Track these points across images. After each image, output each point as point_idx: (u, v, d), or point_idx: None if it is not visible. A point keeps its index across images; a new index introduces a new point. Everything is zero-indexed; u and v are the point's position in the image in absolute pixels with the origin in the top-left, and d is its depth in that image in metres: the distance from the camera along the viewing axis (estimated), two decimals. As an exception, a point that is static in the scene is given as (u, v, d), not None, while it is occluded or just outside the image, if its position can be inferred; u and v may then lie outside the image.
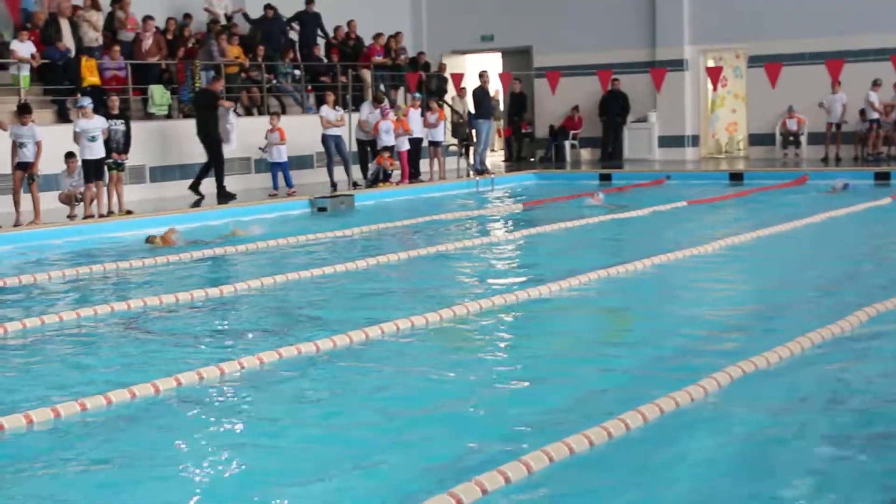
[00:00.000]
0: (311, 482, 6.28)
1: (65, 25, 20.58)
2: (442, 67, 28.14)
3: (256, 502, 5.99)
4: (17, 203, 17.26)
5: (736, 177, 22.67)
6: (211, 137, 20.30)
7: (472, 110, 25.45)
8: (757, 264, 13.44)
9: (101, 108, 18.42)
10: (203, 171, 20.58)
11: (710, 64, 26.87)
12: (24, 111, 17.23)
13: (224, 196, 20.44)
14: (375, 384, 8.36)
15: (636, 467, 6.16)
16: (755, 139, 26.90)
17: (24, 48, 19.52)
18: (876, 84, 24.10)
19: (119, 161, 18.27)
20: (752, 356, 7.90)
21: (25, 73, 19.55)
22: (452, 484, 5.54)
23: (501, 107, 28.85)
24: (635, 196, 20.29)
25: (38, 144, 17.10)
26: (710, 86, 27.02)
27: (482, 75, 25.88)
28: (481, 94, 25.16)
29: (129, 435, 7.16)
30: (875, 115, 24.11)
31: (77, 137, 17.49)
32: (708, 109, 27.87)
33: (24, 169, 17.19)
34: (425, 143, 24.21)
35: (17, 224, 17.07)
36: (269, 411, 7.73)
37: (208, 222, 18.16)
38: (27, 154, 17.10)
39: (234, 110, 21.38)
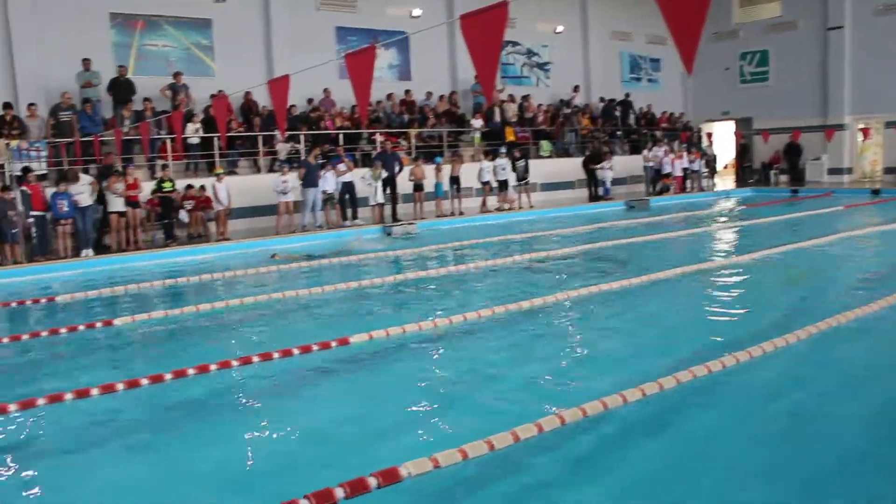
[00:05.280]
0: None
1: (497, 110, 21.41)
2: (699, 129, 27.25)
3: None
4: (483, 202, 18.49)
5: (875, 192, 20.73)
6: (588, 168, 20.56)
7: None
8: (886, 243, 12.45)
9: (511, 154, 19.08)
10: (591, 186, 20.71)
11: (861, 126, 24.62)
12: (486, 154, 18.28)
13: (596, 198, 20.42)
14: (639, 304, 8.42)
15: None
16: (888, 170, 24.47)
17: (477, 123, 20.67)
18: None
19: (526, 181, 18.92)
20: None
21: (477, 135, 20.64)
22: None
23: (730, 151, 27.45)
24: (813, 203, 18.80)
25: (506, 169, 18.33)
26: (859, 138, 24.81)
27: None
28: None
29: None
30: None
31: (494, 169, 18.29)
32: (858, 152, 25.49)
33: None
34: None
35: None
36: (532, 328, 7.24)
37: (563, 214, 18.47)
38: (504, 174, 18.34)
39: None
